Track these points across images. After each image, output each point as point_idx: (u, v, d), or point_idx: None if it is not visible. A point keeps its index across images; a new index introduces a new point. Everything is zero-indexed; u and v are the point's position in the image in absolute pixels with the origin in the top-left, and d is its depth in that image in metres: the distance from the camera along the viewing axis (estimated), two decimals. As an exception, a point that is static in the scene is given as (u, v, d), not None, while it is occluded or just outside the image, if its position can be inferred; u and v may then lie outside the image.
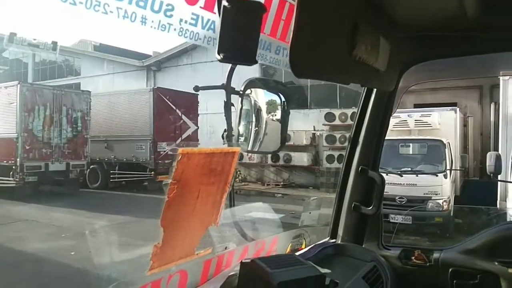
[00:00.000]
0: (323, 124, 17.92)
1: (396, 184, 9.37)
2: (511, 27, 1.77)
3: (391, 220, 9.22)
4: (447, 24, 1.81)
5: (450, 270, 2.05)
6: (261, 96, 3.52)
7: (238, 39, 1.35)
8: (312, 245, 2.11)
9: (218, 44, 1.33)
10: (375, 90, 2.19)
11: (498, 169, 6.85)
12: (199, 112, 18.39)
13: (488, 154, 7.16)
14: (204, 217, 1.59)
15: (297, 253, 2.03)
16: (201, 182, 1.49)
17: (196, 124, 18.34)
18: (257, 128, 3.46)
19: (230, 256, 1.79)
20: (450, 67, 2.40)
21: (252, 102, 3.37)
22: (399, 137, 10.37)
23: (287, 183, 18.65)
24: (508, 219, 6.78)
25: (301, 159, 18.14)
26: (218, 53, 1.32)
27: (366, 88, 2.23)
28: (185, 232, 1.50)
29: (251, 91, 3.18)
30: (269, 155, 18.49)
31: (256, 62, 0.91)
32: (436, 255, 2.11)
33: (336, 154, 16.62)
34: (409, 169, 9.68)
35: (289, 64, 1.21)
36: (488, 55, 2.06)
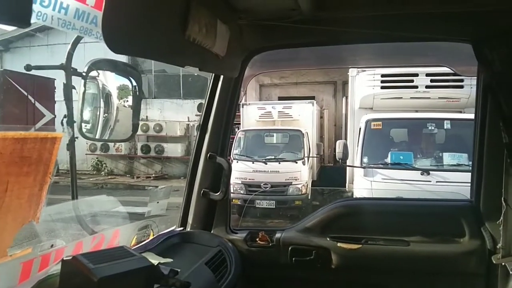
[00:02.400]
0: (195, 115, 17.88)
1: (262, 171, 9.90)
2: (343, 21, 1.93)
3: (257, 206, 9.72)
4: (285, 15, 1.88)
5: (290, 248, 2.19)
6: (111, 80, 3.25)
7: None
8: (156, 235, 2.03)
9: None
10: (222, 77, 2.20)
11: (345, 155, 7.68)
12: (56, 99, 16.56)
13: (337, 142, 7.98)
14: (18, 212, 1.39)
15: (139, 245, 1.93)
16: (9, 172, 1.28)
17: (53, 112, 16.48)
18: (106, 115, 3.19)
19: (60, 255, 1.61)
20: (294, 58, 2.55)
21: (100, 86, 3.09)
22: (264, 127, 10.93)
23: (159, 175, 18.14)
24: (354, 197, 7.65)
25: (175, 150, 17.83)
26: None
27: (213, 75, 2.22)
28: (-13, 231, 1.28)
29: (99, 74, 2.91)
30: (139, 146, 17.76)
31: (29, 24, 0.78)
32: (278, 235, 2.23)
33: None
34: (273, 157, 10.29)
35: (102, 36, 1.10)
36: (327, 47, 2.22)
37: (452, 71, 7.62)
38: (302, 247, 2.18)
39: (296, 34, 2.05)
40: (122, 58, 1.69)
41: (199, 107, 17.62)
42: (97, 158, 18.29)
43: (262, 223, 9.38)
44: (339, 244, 2.13)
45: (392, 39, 2.00)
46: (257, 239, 2.24)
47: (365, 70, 8.65)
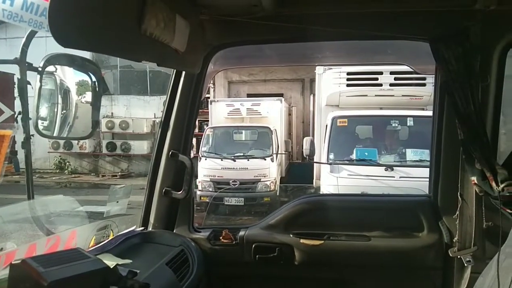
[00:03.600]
0: (162, 112, 17.57)
1: (230, 168, 9.87)
2: (304, 19, 1.93)
3: (226, 203, 9.69)
4: (247, 11, 1.87)
5: (253, 245, 2.18)
6: (70, 76, 3.12)
7: None
8: (114, 236, 1.97)
9: None
10: (183, 73, 2.16)
11: (312, 152, 7.78)
12: (16, 95, 15.87)
13: (305, 139, 8.06)
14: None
15: (96, 246, 1.87)
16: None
17: (12, 109, 15.79)
18: (65, 111, 3.06)
19: (9, 259, 1.54)
20: (258, 55, 2.54)
21: (58, 82, 2.96)
22: (233, 124, 10.89)
23: (125, 173, 17.75)
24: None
25: (141, 147, 17.49)
26: None
27: (175, 71, 2.18)
28: None
29: (57, 69, 2.79)
30: (104, 144, 17.32)
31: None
32: (242, 233, 2.22)
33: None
34: (242, 154, 10.29)
35: (49, 29, 1.04)
36: (285, 45, 2.23)
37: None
38: (266, 244, 2.17)
39: (258, 31, 2.04)
40: (85, 54, 1.62)
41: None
42: (60, 156, 17.69)
43: (231, 220, 9.37)
44: (302, 241, 2.14)
45: (353, 37, 2.02)
46: (221, 238, 2.22)
47: (331, 68, 8.76)
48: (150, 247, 2.03)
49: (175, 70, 2.18)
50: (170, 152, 2.20)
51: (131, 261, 1.73)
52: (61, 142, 16.12)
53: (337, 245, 2.13)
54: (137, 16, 1.33)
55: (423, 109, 8.57)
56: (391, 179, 7.24)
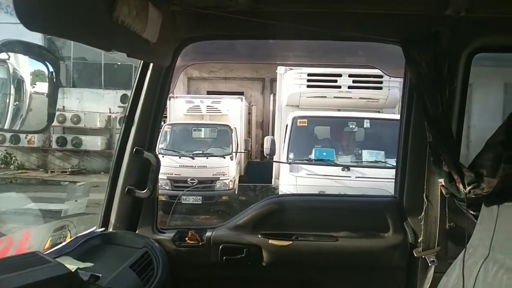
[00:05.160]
0: (118, 106, 17.01)
1: (188, 166, 9.70)
2: (279, 16, 1.90)
3: (183, 202, 9.51)
4: (222, 5, 1.82)
5: (221, 246, 2.12)
6: (24, 64, 2.92)
7: None
8: (73, 237, 1.84)
9: None
10: (151, 66, 2.06)
11: (273, 151, 7.82)
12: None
13: (265, 138, 8.08)
14: None
15: (54, 248, 1.74)
16: None
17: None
18: (17, 103, 2.85)
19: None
20: (228, 50, 2.48)
21: (11, 71, 2.76)
22: (192, 122, 10.72)
23: (76, 169, 16.98)
24: (280, 194, 7.81)
25: (95, 143, 16.79)
26: None
27: (142, 63, 2.07)
28: None
29: (10, 57, 2.59)
30: (54, 138, 16.48)
31: None
32: (208, 233, 2.16)
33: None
34: (201, 152, 10.14)
35: (14, 9, 0.94)
36: (257, 42, 2.19)
37: (373, 74, 8.06)
38: (233, 245, 2.13)
39: (232, 26, 1.99)
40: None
41: (123, 98, 16.81)
42: (5, 150, 16.62)
43: (189, 219, 9.20)
44: (270, 241, 2.11)
45: (328, 36, 2.02)
46: (186, 239, 2.14)
47: (292, 69, 8.86)
48: (111, 249, 1.92)
49: (142, 63, 2.07)
50: (135, 149, 2.09)
51: (92, 264, 1.62)
52: (7, 135, 15.17)
53: (305, 246, 2.12)
54: (109, 2, 1.25)
55: (379, 112, 8.87)
56: (347, 179, 7.43)
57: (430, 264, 1.98)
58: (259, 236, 2.13)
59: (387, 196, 2.31)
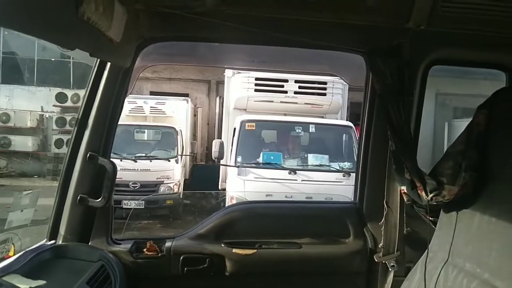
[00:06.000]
0: (53, 105, 15.96)
1: (130, 169, 9.30)
2: (244, 20, 1.86)
3: (124, 206, 9.09)
4: (187, 5, 1.75)
5: (182, 257, 2.04)
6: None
7: None
8: (22, 252, 1.66)
9: None
10: (108, 66, 1.93)
11: (221, 154, 7.76)
12: None
13: (214, 141, 7.99)
14: None
15: (0, 265, 1.56)
16: None
17: None
18: None
19: None
20: (190, 53, 2.40)
21: None
22: (135, 123, 10.32)
23: (4, 171, 15.67)
24: (227, 199, 7.76)
25: (25, 143, 15.63)
26: None
27: (98, 62, 1.94)
28: None
29: None
30: (-21, 138, 15.11)
31: None
32: (168, 244, 2.06)
33: (66, 138, 15.08)
34: (144, 154, 9.79)
35: None
36: (221, 45, 2.14)
37: (317, 80, 8.28)
38: (195, 256, 2.05)
39: (196, 27, 1.93)
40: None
41: (58, 96, 15.82)
42: None
43: (130, 225, 8.81)
44: (234, 250, 2.06)
45: (293, 44, 2.02)
46: (144, 250, 2.03)
47: (240, 72, 8.88)
48: (64, 263, 1.76)
49: (98, 62, 1.94)
50: (88, 154, 1.95)
51: (44, 282, 1.48)
52: None
53: (270, 254, 2.10)
54: None
55: (322, 117, 9.15)
56: (294, 182, 7.56)
57: (390, 269, 2.04)
58: (222, 245, 2.08)
59: (347, 202, 2.36)
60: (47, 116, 16.27)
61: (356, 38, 1.97)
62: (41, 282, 1.45)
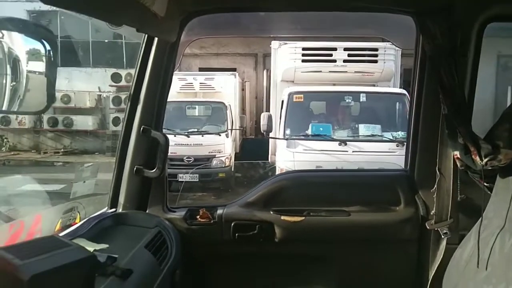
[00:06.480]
0: (109, 85, 16.71)
1: (184, 144, 9.63)
2: None
3: (180, 180, 9.49)
4: None
5: (233, 224, 2.11)
6: (19, 43, 2.83)
7: None
8: (86, 219, 1.81)
9: None
10: (155, 41, 1.98)
11: (270, 127, 7.79)
12: None
13: (262, 114, 8.02)
14: None
15: (68, 230, 1.71)
16: None
17: None
18: (14, 83, 2.78)
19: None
20: (231, 24, 2.41)
21: (6, 50, 2.67)
22: (186, 99, 10.58)
23: (69, 149, 16.80)
24: (277, 170, 7.82)
25: (85, 122, 16.57)
26: None
27: (146, 39, 2.00)
28: None
29: (4, 35, 2.50)
30: (45, 119, 16.22)
31: None
32: (219, 211, 2.14)
33: (122, 116, 15.80)
34: (196, 130, 10.06)
35: None
36: (264, 14, 2.12)
37: (368, 47, 7.93)
38: (245, 222, 2.11)
39: None
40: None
41: (114, 76, 16.50)
42: (-4, 132, 16.39)
43: (185, 197, 9.20)
44: (282, 217, 2.10)
45: (338, 7, 1.96)
46: (198, 217, 2.12)
47: (287, 43, 8.73)
48: (124, 229, 1.89)
49: (145, 39, 2.00)
50: (142, 128, 2.05)
51: (107, 245, 1.60)
52: (-4, 116, 14.90)
53: (318, 221, 2.12)
54: None
55: (374, 85, 8.83)
56: (344, 154, 7.45)
57: (443, 236, 1.99)
58: (271, 212, 2.12)
59: (397, 170, 2.31)
60: (104, 96, 17.07)
61: None
62: (104, 246, 1.57)
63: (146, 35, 1.96)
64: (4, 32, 2.32)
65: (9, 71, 2.61)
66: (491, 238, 1.54)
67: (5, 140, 16.34)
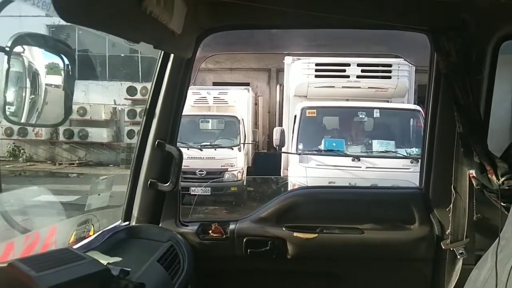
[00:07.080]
0: (125, 98, 16.98)
1: (197, 158, 9.68)
2: (303, 4, 1.85)
3: (192, 193, 9.51)
4: None
5: (245, 239, 2.11)
6: (38, 57, 2.91)
7: None
8: (100, 232, 1.83)
9: None
10: (172, 57, 2.03)
11: (282, 142, 7.79)
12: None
13: (275, 129, 8.03)
14: None
15: (82, 242, 1.73)
16: None
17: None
18: (33, 96, 2.84)
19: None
20: (245, 41, 2.45)
21: (26, 64, 2.75)
22: (199, 113, 10.67)
23: (83, 161, 17.03)
24: (289, 185, 7.79)
25: (100, 135, 16.82)
26: None
27: (162, 55, 2.04)
28: None
29: (25, 50, 2.58)
30: (61, 131, 16.52)
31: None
32: (232, 226, 2.14)
33: (136, 129, 16.01)
34: (208, 143, 10.12)
35: (52, 1, 0.92)
36: (278, 31, 2.15)
37: (381, 63, 7.89)
38: (257, 238, 2.11)
39: (253, 15, 1.95)
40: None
41: (129, 90, 16.77)
42: (13, 143, 16.71)
43: (196, 210, 9.21)
44: (295, 234, 2.09)
45: (353, 25, 1.97)
46: (210, 232, 2.13)
47: (300, 59, 8.77)
48: (137, 242, 1.91)
49: (162, 55, 2.04)
50: (156, 142, 2.07)
51: (120, 259, 1.61)
52: (15, 128, 15.21)
53: (331, 238, 2.10)
54: None
55: (387, 101, 8.79)
56: (358, 169, 7.38)
57: (458, 256, 1.95)
58: (283, 228, 2.11)
59: (412, 188, 2.28)
60: (119, 108, 17.33)
61: (419, 16, 1.88)
62: (117, 259, 1.58)
63: (163, 51, 2.00)
64: (26, 46, 2.39)
65: (28, 84, 2.68)
66: (510, 259, 1.51)
67: (22, 151, 16.66)
